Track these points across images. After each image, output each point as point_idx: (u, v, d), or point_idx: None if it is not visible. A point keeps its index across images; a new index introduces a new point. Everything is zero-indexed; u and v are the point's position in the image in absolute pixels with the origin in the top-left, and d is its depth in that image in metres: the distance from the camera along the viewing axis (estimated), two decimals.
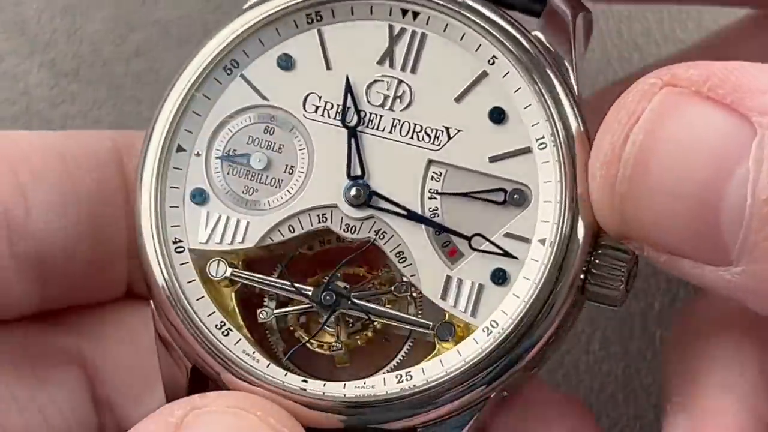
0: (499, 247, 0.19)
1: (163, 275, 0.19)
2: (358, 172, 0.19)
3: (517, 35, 0.19)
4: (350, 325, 0.19)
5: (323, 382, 0.18)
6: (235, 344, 0.18)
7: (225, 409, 0.18)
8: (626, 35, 0.44)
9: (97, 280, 0.22)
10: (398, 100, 0.19)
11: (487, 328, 0.18)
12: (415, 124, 0.19)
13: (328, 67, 0.19)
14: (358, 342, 0.19)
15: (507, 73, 0.19)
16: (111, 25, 0.44)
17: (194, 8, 0.45)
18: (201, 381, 0.19)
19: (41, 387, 0.23)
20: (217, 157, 0.19)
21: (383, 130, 0.19)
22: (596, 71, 0.42)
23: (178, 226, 0.19)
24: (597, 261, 0.18)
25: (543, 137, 0.18)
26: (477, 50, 0.19)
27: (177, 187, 0.19)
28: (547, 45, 0.19)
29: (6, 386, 0.22)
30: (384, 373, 0.18)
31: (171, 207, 0.19)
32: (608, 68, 0.43)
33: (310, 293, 0.19)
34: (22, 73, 0.43)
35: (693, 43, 0.39)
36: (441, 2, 0.19)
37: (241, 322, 0.19)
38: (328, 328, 0.19)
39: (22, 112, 0.42)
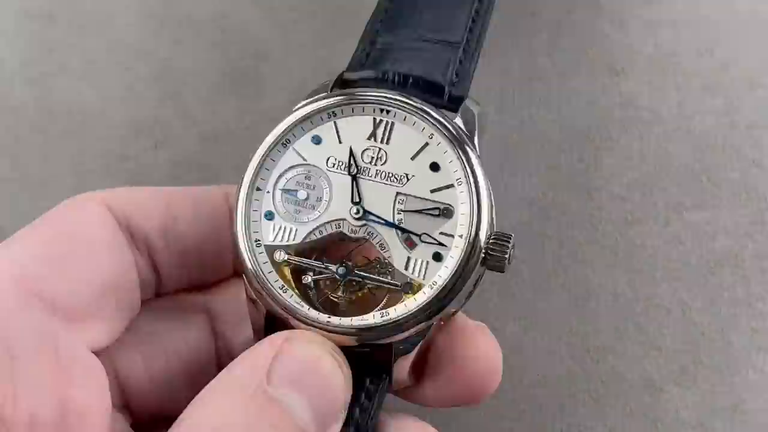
0: (436, 240, 0.31)
1: (249, 261, 0.31)
2: (357, 200, 0.31)
3: (445, 122, 0.31)
4: (354, 285, 0.31)
5: (339, 318, 0.30)
6: (290, 298, 0.30)
7: (306, 337, 0.29)
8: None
9: (217, 266, 0.34)
10: (379, 160, 0.32)
11: (431, 285, 0.30)
12: (389, 172, 0.32)
13: (340, 142, 0.32)
14: (358, 295, 0.31)
15: (439, 143, 0.31)
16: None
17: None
18: (271, 321, 0.31)
19: (186, 325, 0.34)
20: (279, 191, 0.32)
21: (371, 176, 0.32)
22: None
23: (257, 232, 0.31)
24: (491, 244, 0.31)
25: (460, 178, 0.31)
26: (422, 131, 0.32)
27: (256, 210, 0.32)
28: (462, 127, 0.32)
29: (165, 323, 0.33)
30: (374, 312, 0.30)
31: (253, 221, 0.31)
32: None
33: (334, 267, 0.31)
34: None
35: None
36: (401, 104, 0.32)
37: (293, 285, 0.31)
38: (341, 288, 0.31)
39: None
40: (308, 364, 0.28)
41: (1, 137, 0.42)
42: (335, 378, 0.29)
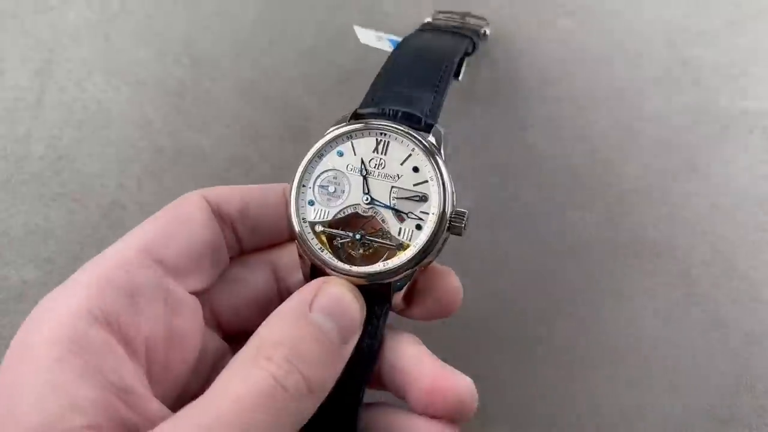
0: (417, 216, 0.38)
1: (298, 232, 0.38)
2: (367, 191, 0.39)
3: (422, 139, 0.39)
4: (366, 245, 0.38)
5: (357, 267, 0.37)
6: (325, 254, 0.38)
7: (336, 281, 0.36)
8: None
9: (277, 234, 0.42)
10: (381, 165, 0.39)
11: (415, 245, 0.38)
12: (387, 173, 0.39)
13: (355, 154, 0.39)
14: (369, 252, 0.38)
15: (418, 154, 0.39)
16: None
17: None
18: (313, 270, 0.38)
19: (258, 274, 0.42)
20: (317, 186, 0.39)
21: (375, 176, 0.39)
22: None
23: (304, 213, 0.38)
24: (453, 218, 0.38)
25: (432, 176, 0.38)
26: (407, 146, 0.39)
27: (303, 199, 0.39)
28: (434, 142, 0.39)
29: (244, 273, 0.42)
30: (379, 263, 0.38)
31: (301, 207, 0.39)
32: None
33: (352, 234, 0.38)
34: None
35: None
36: (394, 130, 0.39)
37: (328, 246, 0.38)
38: (358, 247, 0.38)
39: None
40: (336, 298, 0.36)
41: (149, 172, 0.51)
42: (353, 306, 0.36)
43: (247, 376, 0.33)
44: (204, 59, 0.53)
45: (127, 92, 0.52)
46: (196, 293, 0.40)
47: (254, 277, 0.43)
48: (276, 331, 0.35)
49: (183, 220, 0.40)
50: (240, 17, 0.54)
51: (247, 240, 0.43)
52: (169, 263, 0.38)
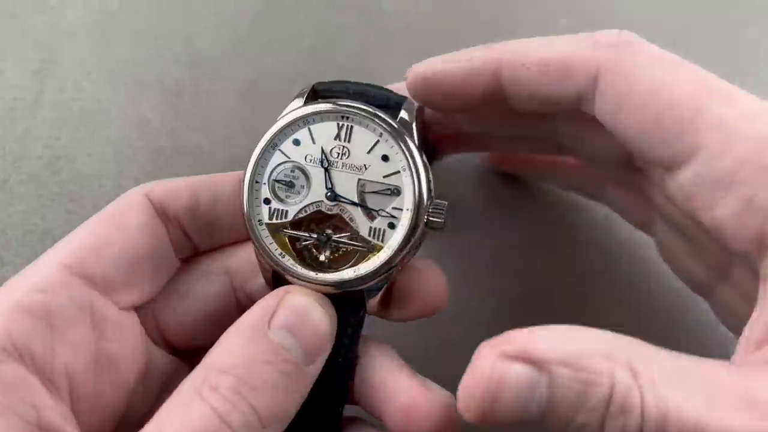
0: (389, 214, 0.34)
1: (255, 235, 0.35)
2: (330, 186, 0.35)
3: (390, 120, 0.34)
4: (333, 247, 0.35)
5: (323, 274, 0.34)
6: (286, 261, 0.34)
7: (301, 291, 0.33)
8: None
9: (234, 231, 0.38)
10: (344, 155, 0.35)
11: (389, 246, 0.34)
12: (352, 164, 0.35)
13: (314, 142, 0.35)
14: (336, 256, 0.35)
15: (387, 140, 0.34)
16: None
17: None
18: (275, 275, 0.35)
19: (211, 284, 0.38)
20: (272, 182, 0.35)
21: (339, 168, 0.35)
22: None
23: (259, 213, 0.35)
24: (431, 211, 0.34)
25: (404, 165, 0.34)
26: (373, 131, 0.35)
27: (257, 198, 0.35)
28: (406, 119, 0.35)
29: (195, 284, 0.38)
30: (348, 268, 0.34)
31: (255, 206, 0.35)
32: None
33: (316, 235, 0.34)
34: None
35: None
36: (358, 111, 0.35)
37: (290, 250, 0.35)
38: (324, 250, 0.35)
39: None
40: (299, 311, 0.32)
41: (147, 173, 0.51)
42: (320, 320, 0.33)
43: (187, 413, 0.29)
44: (203, 59, 0.53)
45: (125, 92, 0.52)
46: (135, 307, 0.36)
47: (206, 287, 0.38)
48: (226, 354, 0.31)
49: (117, 225, 0.36)
50: (239, 17, 0.54)
51: (198, 240, 0.39)
52: (97, 278, 0.34)
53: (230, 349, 0.31)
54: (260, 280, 0.38)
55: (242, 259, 0.39)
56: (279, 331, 0.31)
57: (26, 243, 0.48)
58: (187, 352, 0.39)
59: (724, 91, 0.31)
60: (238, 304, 0.39)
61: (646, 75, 0.32)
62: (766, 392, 0.26)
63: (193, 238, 0.39)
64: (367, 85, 0.37)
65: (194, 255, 0.39)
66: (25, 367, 0.31)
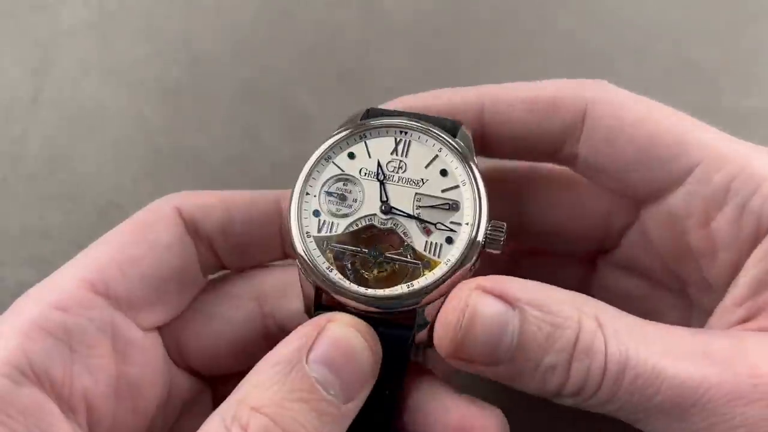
0: (448, 228, 0.33)
1: (302, 248, 0.33)
2: (384, 199, 0.34)
3: (449, 140, 0.34)
4: (384, 264, 0.33)
5: (373, 290, 0.32)
6: (334, 275, 0.32)
7: (344, 320, 0.31)
8: None
9: (266, 252, 0.37)
10: (400, 169, 0.34)
11: (446, 262, 0.33)
12: (408, 178, 0.34)
13: (369, 156, 0.35)
14: (383, 275, 0.33)
15: (447, 155, 0.34)
16: None
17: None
18: (319, 294, 0.33)
19: (238, 310, 0.37)
20: (323, 194, 0.34)
21: (394, 181, 0.34)
22: None
23: (308, 226, 0.33)
24: (489, 231, 0.33)
25: (464, 179, 0.34)
26: (432, 146, 0.34)
27: (306, 210, 0.34)
28: (463, 144, 0.34)
29: (221, 307, 0.37)
30: (401, 284, 0.33)
31: (304, 218, 0.34)
32: None
33: (367, 251, 0.33)
34: None
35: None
36: (416, 128, 0.34)
37: (336, 266, 0.33)
38: (374, 267, 0.33)
39: None
40: (341, 344, 0.30)
41: (146, 172, 0.51)
42: (363, 354, 0.30)
43: None
44: (202, 58, 0.53)
45: (124, 91, 0.52)
46: (157, 327, 0.35)
47: (234, 311, 0.37)
48: (259, 388, 0.29)
49: (145, 240, 0.34)
50: (239, 16, 0.54)
51: (228, 260, 0.37)
52: (120, 297, 0.33)
53: (263, 382, 0.29)
54: (292, 307, 0.36)
55: (273, 284, 0.37)
56: (317, 366, 0.29)
57: (24, 243, 0.48)
58: (215, 379, 0.38)
59: (697, 121, 0.34)
60: (266, 332, 0.37)
61: (632, 108, 0.34)
62: (719, 346, 0.29)
63: (222, 258, 0.37)
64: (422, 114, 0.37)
65: (221, 268, 0.38)
66: (42, 391, 0.30)
